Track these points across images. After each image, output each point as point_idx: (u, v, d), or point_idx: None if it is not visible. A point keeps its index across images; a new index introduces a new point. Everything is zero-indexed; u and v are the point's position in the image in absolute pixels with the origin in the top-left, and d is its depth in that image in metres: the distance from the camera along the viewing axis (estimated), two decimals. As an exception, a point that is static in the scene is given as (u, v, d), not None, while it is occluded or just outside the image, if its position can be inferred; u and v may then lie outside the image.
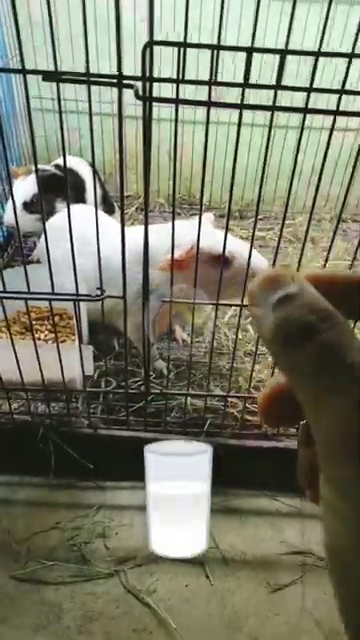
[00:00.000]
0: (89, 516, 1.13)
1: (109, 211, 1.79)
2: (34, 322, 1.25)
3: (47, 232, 1.34)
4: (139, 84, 0.70)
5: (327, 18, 0.66)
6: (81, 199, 1.72)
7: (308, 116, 0.72)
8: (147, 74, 0.68)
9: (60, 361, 1.01)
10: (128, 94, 0.70)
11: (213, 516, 1.15)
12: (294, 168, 0.79)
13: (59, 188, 1.56)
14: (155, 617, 0.98)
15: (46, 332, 1.24)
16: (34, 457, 1.16)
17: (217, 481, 1.19)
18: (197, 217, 1.17)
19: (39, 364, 1.01)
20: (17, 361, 1.02)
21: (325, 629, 0.97)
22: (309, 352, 0.21)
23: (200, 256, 1.00)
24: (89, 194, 1.77)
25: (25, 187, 1.54)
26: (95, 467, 1.15)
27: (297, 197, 2.11)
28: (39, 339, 1.22)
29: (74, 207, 1.40)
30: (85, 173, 1.79)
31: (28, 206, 1.54)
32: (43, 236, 1.46)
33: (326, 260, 0.95)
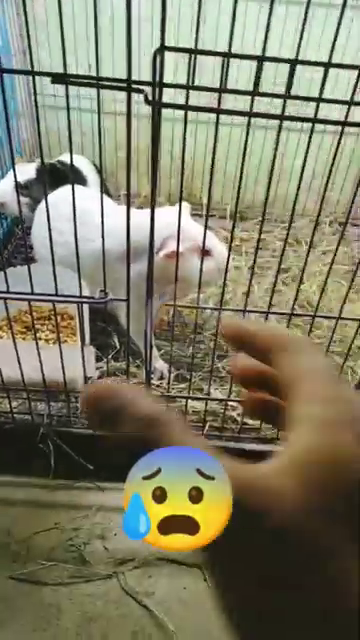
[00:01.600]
0: (88, 517, 1.14)
1: None
2: (35, 322, 1.25)
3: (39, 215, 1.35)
4: (148, 89, 0.69)
5: (339, 25, 0.66)
6: None
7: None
8: (157, 80, 0.68)
9: (62, 362, 1.01)
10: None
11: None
12: (301, 175, 0.79)
13: (58, 181, 1.57)
14: (153, 619, 0.99)
15: (47, 332, 1.24)
16: (34, 457, 1.16)
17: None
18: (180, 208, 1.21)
19: (41, 364, 1.01)
20: (18, 361, 1.02)
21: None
22: None
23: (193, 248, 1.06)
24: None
25: (24, 171, 1.57)
26: (95, 468, 1.15)
27: (297, 200, 2.12)
28: (40, 339, 1.22)
29: (65, 188, 1.41)
30: (87, 170, 1.80)
31: (22, 188, 1.55)
32: (34, 229, 1.46)
33: (331, 265, 0.95)
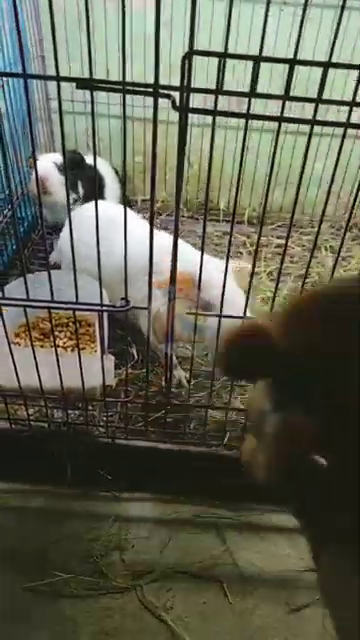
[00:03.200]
0: (105, 527, 1.12)
1: None
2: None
3: (68, 234, 1.35)
4: (176, 94, 0.68)
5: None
6: (100, 195, 1.75)
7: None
8: (185, 84, 0.66)
9: (81, 370, 0.99)
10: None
11: (230, 532, 1.13)
12: (332, 180, 0.77)
13: (81, 170, 1.60)
14: (172, 635, 0.96)
15: (65, 339, 1.22)
16: (50, 465, 1.15)
17: (236, 495, 1.17)
18: (221, 259, 1.13)
19: (59, 372, 1.00)
20: (37, 368, 1.00)
21: (347, 653, 0.95)
22: None
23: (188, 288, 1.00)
24: (108, 191, 1.80)
25: (54, 156, 1.62)
26: (112, 477, 1.14)
27: (317, 205, 2.09)
28: (58, 346, 1.20)
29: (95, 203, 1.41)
30: (106, 172, 1.82)
31: (59, 169, 1.59)
32: (62, 236, 1.46)
33: None
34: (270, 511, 1.17)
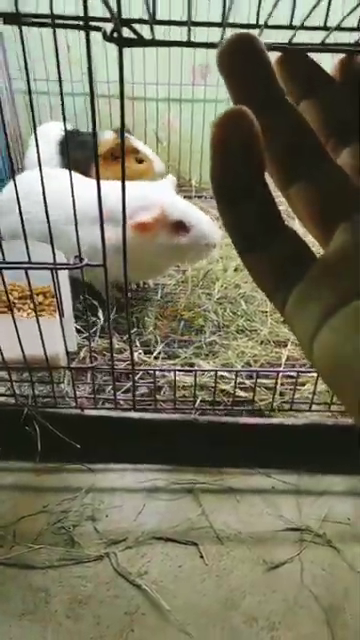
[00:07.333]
0: (78, 499, 1.09)
1: None
2: (16, 301, 1.21)
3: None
4: (108, 26, 0.65)
5: None
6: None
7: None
8: (116, 13, 0.63)
9: (41, 336, 0.96)
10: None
11: (206, 496, 1.11)
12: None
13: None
14: (148, 599, 0.94)
15: (29, 310, 1.19)
16: (19, 440, 1.12)
17: (210, 460, 1.15)
18: (160, 181, 1.29)
19: (19, 340, 0.97)
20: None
21: (324, 605, 0.93)
22: None
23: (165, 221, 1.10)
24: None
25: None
26: (83, 448, 1.11)
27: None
28: (21, 317, 1.18)
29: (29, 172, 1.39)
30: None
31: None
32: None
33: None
34: (245, 473, 1.15)
